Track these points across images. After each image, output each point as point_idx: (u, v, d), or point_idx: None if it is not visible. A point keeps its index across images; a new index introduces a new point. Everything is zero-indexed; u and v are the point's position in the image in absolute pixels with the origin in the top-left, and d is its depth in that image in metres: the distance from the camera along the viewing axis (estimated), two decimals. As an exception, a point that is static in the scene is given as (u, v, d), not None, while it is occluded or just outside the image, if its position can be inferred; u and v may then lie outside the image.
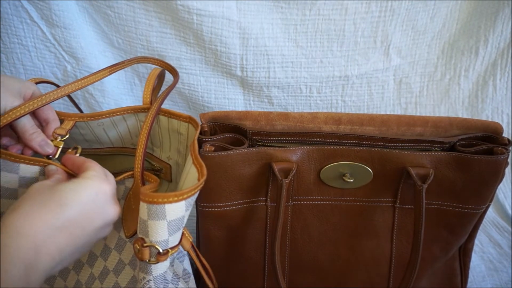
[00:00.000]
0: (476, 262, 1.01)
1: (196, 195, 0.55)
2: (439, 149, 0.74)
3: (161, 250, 0.55)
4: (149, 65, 1.08)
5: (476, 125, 0.76)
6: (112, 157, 0.82)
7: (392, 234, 0.79)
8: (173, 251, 0.56)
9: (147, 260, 0.55)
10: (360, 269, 0.82)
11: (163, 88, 0.77)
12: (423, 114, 1.10)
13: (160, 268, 0.57)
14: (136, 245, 0.55)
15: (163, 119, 0.72)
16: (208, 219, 0.76)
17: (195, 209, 0.82)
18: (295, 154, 0.73)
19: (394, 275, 0.82)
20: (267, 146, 0.73)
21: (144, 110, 0.72)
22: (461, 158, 0.72)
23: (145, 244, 0.54)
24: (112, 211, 0.56)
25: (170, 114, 0.72)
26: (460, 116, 1.16)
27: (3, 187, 0.63)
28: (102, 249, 0.68)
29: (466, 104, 1.17)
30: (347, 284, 0.83)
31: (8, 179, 0.62)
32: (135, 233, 0.61)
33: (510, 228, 1.14)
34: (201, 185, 0.55)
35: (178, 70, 1.06)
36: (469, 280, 0.88)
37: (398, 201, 0.77)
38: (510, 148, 0.74)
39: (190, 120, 0.70)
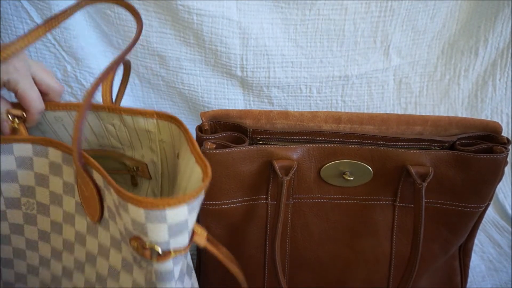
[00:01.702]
0: (476, 262, 1.01)
1: (200, 197, 0.52)
2: (438, 148, 0.75)
3: (160, 252, 0.53)
4: (149, 65, 1.08)
5: (475, 124, 0.77)
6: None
7: (392, 232, 0.80)
8: (178, 253, 0.53)
9: (150, 258, 0.53)
10: (360, 268, 0.82)
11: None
12: (423, 114, 1.11)
13: (163, 267, 0.55)
14: (135, 243, 0.52)
15: (127, 118, 0.68)
16: (208, 216, 0.77)
17: None
18: (295, 152, 0.73)
19: (394, 273, 0.82)
20: (267, 145, 0.73)
21: (104, 109, 0.68)
22: (460, 157, 0.73)
23: (146, 246, 0.52)
24: None
25: (133, 113, 0.67)
26: (460, 116, 1.16)
27: (36, 173, 0.64)
28: (75, 235, 0.66)
29: (466, 104, 1.17)
30: (347, 282, 0.83)
31: (40, 163, 0.63)
32: (101, 217, 0.60)
33: (510, 228, 1.14)
34: (205, 187, 0.52)
35: (178, 70, 1.08)
36: (469, 280, 0.88)
37: (398, 200, 0.77)
38: (510, 147, 0.74)
39: (157, 116, 0.66)
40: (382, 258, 0.82)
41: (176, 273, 0.56)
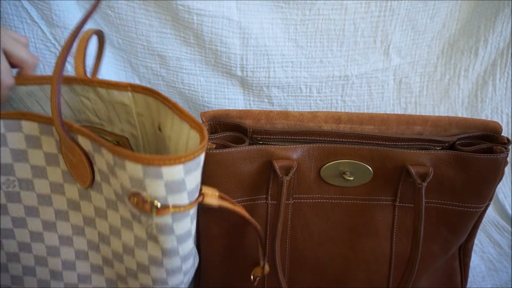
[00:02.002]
0: (476, 262, 1.01)
1: (197, 159, 0.52)
2: (438, 148, 0.75)
3: (159, 206, 0.53)
4: (149, 64, 1.08)
5: (475, 124, 0.78)
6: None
7: (392, 232, 0.80)
8: (177, 210, 0.54)
9: (150, 212, 0.54)
10: (360, 268, 0.82)
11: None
12: (424, 114, 1.11)
13: (162, 221, 0.56)
14: (135, 198, 0.53)
15: (102, 91, 0.65)
16: (208, 216, 0.77)
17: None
18: (295, 152, 0.74)
19: (394, 273, 0.82)
20: (267, 144, 0.74)
21: (76, 81, 0.64)
22: (460, 157, 0.73)
23: (146, 200, 0.53)
24: None
25: (108, 85, 0.63)
26: (460, 116, 1.16)
27: (12, 149, 0.62)
28: (67, 203, 0.66)
29: (466, 104, 1.18)
30: (347, 282, 0.84)
31: (15, 139, 0.62)
32: (92, 182, 0.61)
33: (510, 228, 1.14)
34: (203, 149, 0.52)
35: (178, 70, 1.08)
36: (469, 280, 0.88)
37: (398, 200, 0.78)
38: (510, 147, 0.75)
39: (131, 88, 0.62)
40: (382, 258, 0.82)
41: (176, 229, 0.56)
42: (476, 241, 0.85)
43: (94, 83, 0.63)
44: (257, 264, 0.79)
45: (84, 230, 0.67)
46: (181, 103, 1.16)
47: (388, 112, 1.05)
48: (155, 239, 0.57)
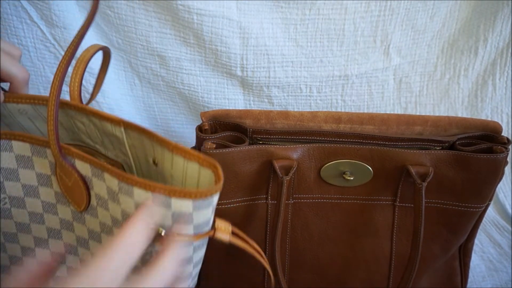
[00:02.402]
0: (476, 262, 1.02)
1: (210, 199, 0.51)
2: (438, 148, 0.75)
3: (163, 233, 0.53)
4: (149, 65, 1.08)
5: (475, 124, 0.78)
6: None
7: (392, 232, 0.81)
8: (181, 238, 0.53)
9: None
10: (360, 268, 0.83)
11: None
12: (423, 114, 1.11)
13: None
14: None
15: (95, 121, 0.63)
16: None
17: None
18: (295, 152, 0.74)
19: (394, 273, 0.83)
20: (267, 144, 0.74)
21: (70, 107, 0.62)
22: (460, 157, 0.73)
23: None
24: None
25: (100, 117, 0.61)
26: (460, 115, 1.17)
27: (2, 168, 0.62)
28: (60, 223, 0.66)
29: (466, 103, 1.18)
30: (347, 282, 0.84)
31: (6, 158, 0.61)
32: (87, 206, 0.60)
33: (510, 228, 1.14)
34: (218, 190, 0.51)
35: (178, 70, 1.08)
36: (469, 280, 0.89)
37: (398, 200, 0.78)
38: (510, 147, 0.75)
39: (124, 125, 0.60)
40: (382, 258, 0.82)
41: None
42: (476, 241, 0.85)
43: (87, 112, 0.61)
44: (257, 264, 0.80)
45: (77, 250, 0.67)
46: (180, 105, 1.16)
47: (388, 112, 1.05)
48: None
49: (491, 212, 1.20)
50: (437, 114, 1.17)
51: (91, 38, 1.06)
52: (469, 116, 1.14)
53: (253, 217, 0.79)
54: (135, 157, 0.66)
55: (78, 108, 0.61)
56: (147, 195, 0.49)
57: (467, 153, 0.73)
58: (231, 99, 1.14)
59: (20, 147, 0.61)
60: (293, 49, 1.08)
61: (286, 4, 1.03)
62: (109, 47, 1.05)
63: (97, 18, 1.04)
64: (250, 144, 0.75)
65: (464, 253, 0.86)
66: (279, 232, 0.72)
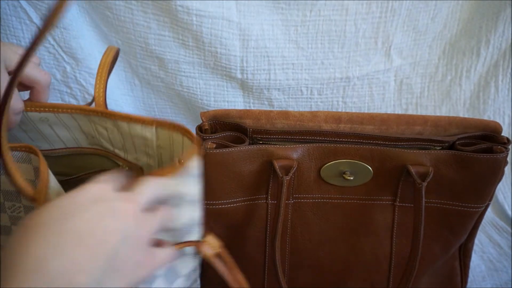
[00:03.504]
0: (476, 262, 1.03)
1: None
2: (438, 148, 0.76)
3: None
4: (148, 66, 1.10)
5: (475, 124, 0.79)
6: (85, 157, 0.77)
7: (392, 232, 0.81)
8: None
9: None
10: (359, 268, 0.84)
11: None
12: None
13: None
14: None
15: (122, 125, 0.65)
16: (208, 216, 0.77)
17: None
18: (295, 152, 0.75)
19: (394, 273, 0.83)
20: (267, 144, 0.75)
21: (97, 113, 0.65)
22: (460, 157, 0.74)
23: None
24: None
25: (130, 120, 0.64)
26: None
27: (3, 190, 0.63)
28: None
29: (468, 105, 1.18)
30: (346, 282, 0.85)
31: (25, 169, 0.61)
32: None
33: (510, 229, 1.15)
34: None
35: (177, 73, 1.09)
36: (469, 280, 0.90)
37: (398, 200, 0.79)
38: (510, 147, 0.76)
39: (157, 124, 0.63)
40: (382, 258, 0.83)
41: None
42: (476, 241, 0.86)
43: (116, 117, 0.64)
44: (257, 264, 0.81)
45: None
46: (180, 105, 1.17)
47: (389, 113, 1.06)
48: None
49: (490, 213, 1.21)
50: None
51: (91, 39, 1.08)
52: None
53: (253, 217, 0.80)
54: (160, 158, 0.68)
55: (105, 115, 0.64)
56: None
57: (467, 153, 0.74)
58: (230, 101, 1.15)
59: (36, 159, 0.60)
60: (294, 51, 1.09)
61: (287, 5, 1.04)
62: None
63: (97, 18, 1.05)
64: (250, 144, 0.76)
65: (464, 253, 0.87)
66: (279, 232, 0.72)
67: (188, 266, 0.64)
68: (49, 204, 0.46)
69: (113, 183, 0.51)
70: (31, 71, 0.63)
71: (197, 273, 0.69)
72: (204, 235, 0.62)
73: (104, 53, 0.71)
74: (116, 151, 0.73)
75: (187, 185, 0.57)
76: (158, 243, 0.54)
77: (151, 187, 0.53)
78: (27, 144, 0.60)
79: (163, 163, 0.70)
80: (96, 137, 0.70)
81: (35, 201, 0.53)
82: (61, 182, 0.59)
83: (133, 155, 0.73)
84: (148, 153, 0.70)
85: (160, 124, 0.63)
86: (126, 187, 0.52)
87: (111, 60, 0.71)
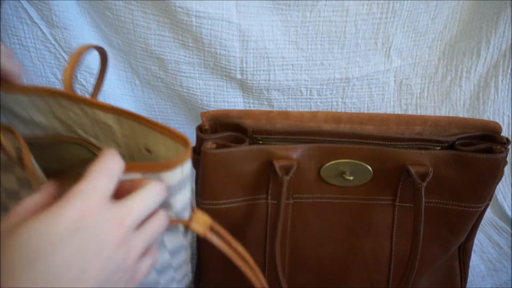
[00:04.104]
0: (476, 262, 1.03)
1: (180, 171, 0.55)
2: (438, 147, 0.77)
3: None
4: (148, 66, 1.11)
5: (475, 124, 0.79)
6: (65, 146, 0.74)
7: (391, 232, 0.82)
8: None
9: None
10: (359, 268, 0.84)
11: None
12: (423, 115, 1.12)
13: None
14: None
15: (87, 109, 0.64)
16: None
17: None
18: (295, 152, 0.75)
19: (394, 273, 0.84)
20: (267, 144, 0.75)
21: (63, 96, 0.63)
22: (460, 157, 0.75)
23: None
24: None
25: (92, 104, 0.62)
26: None
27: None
28: None
29: (467, 106, 1.19)
30: (346, 282, 0.85)
31: None
32: None
33: (509, 229, 1.15)
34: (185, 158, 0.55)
35: (177, 73, 1.10)
36: (468, 279, 0.90)
37: (398, 199, 0.79)
38: (509, 147, 0.76)
39: (114, 111, 0.61)
40: (382, 258, 0.83)
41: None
42: (476, 241, 0.86)
43: (79, 100, 0.63)
44: (258, 265, 0.81)
45: None
46: (180, 106, 1.18)
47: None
48: None
49: (489, 213, 1.22)
50: (438, 115, 1.19)
51: (92, 39, 1.08)
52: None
53: (253, 217, 0.80)
54: (128, 147, 0.67)
55: (69, 97, 0.63)
56: None
57: (466, 153, 0.75)
58: (230, 101, 1.16)
59: None
60: (294, 51, 1.10)
61: (287, 6, 1.04)
62: (110, 48, 1.08)
63: (98, 18, 1.06)
64: (250, 144, 0.76)
65: (464, 253, 0.87)
66: (279, 232, 0.72)
67: (175, 241, 0.63)
68: (18, 234, 0.39)
69: (100, 191, 0.45)
70: (7, 62, 0.62)
71: (184, 257, 0.69)
72: (192, 212, 0.62)
73: (80, 46, 0.68)
74: (91, 139, 0.71)
75: (182, 188, 0.57)
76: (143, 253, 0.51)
77: (144, 200, 0.48)
78: (5, 124, 0.62)
79: (134, 154, 0.67)
80: (70, 124, 0.69)
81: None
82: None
83: (106, 143, 0.70)
84: (116, 142, 0.68)
85: (116, 112, 0.61)
86: (115, 196, 0.47)
87: (82, 52, 0.67)
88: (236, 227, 0.80)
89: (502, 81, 1.16)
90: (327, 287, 0.86)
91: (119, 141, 0.67)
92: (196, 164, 0.79)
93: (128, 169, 0.52)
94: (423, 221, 0.73)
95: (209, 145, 0.73)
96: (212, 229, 0.63)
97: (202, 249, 0.84)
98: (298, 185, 0.79)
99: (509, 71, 1.14)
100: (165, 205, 0.55)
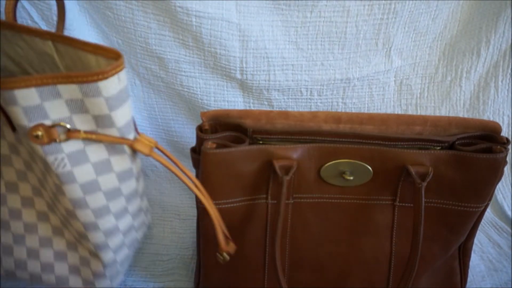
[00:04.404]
0: (476, 262, 1.03)
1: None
2: (438, 147, 0.77)
3: (68, 126, 0.57)
4: (148, 66, 1.11)
5: (475, 124, 0.79)
6: None
7: (391, 232, 0.82)
8: (94, 136, 0.58)
9: (57, 140, 0.57)
10: (359, 268, 0.84)
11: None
12: (423, 115, 1.12)
13: (73, 146, 0.59)
14: (37, 132, 0.56)
15: (27, 39, 0.64)
16: (208, 216, 0.76)
17: (195, 209, 0.85)
18: (295, 152, 0.76)
19: (394, 273, 0.84)
20: (267, 144, 0.76)
21: (5, 25, 0.64)
22: (460, 157, 0.75)
23: (48, 124, 0.56)
24: None
25: (29, 32, 0.63)
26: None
27: None
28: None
29: (468, 106, 1.19)
30: (346, 282, 0.85)
31: None
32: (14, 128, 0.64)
33: (509, 229, 1.16)
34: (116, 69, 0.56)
35: (177, 72, 1.10)
36: (468, 279, 0.90)
37: (398, 199, 0.80)
38: (509, 147, 0.76)
39: (51, 36, 0.62)
40: (382, 258, 0.84)
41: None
42: (476, 241, 0.86)
43: (19, 29, 0.63)
44: (257, 264, 0.82)
45: (18, 186, 0.74)
46: (180, 105, 1.18)
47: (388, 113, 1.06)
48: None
49: (489, 213, 1.22)
50: (438, 115, 1.19)
51: (92, 38, 1.09)
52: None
53: (253, 217, 0.80)
54: None
55: (10, 26, 0.64)
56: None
57: (466, 153, 0.75)
58: (230, 101, 1.16)
59: None
60: (294, 52, 1.10)
61: (287, 6, 1.05)
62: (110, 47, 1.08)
63: (98, 18, 1.06)
64: (250, 144, 0.76)
65: (464, 252, 0.87)
66: (279, 232, 0.72)
67: (123, 164, 0.65)
68: None
69: None
70: None
71: (139, 204, 0.73)
72: (138, 135, 0.63)
73: None
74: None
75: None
76: None
77: None
78: None
79: None
80: (19, 61, 0.69)
81: None
82: None
83: None
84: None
85: (55, 37, 0.61)
86: None
87: None
88: (236, 227, 0.80)
89: (502, 81, 1.16)
90: (327, 287, 0.86)
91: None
92: (196, 164, 0.80)
93: (64, 79, 0.54)
94: (423, 221, 0.73)
95: (209, 145, 0.73)
96: (157, 148, 0.65)
97: (202, 249, 0.84)
98: (298, 185, 0.79)
99: (509, 71, 1.15)
100: (106, 121, 0.58)
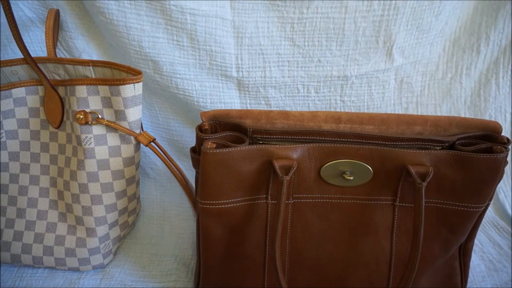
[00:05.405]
0: (476, 262, 1.05)
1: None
2: (438, 147, 0.79)
3: (99, 115, 0.91)
4: (143, 69, 1.12)
5: (475, 124, 0.82)
6: None
7: (392, 232, 0.84)
8: (112, 124, 0.92)
9: (89, 123, 0.91)
10: (359, 268, 0.86)
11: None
12: (425, 114, 1.12)
13: (99, 130, 0.93)
14: (79, 115, 0.90)
15: (69, 67, 0.92)
16: (208, 216, 0.80)
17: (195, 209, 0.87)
18: (295, 152, 0.78)
19: (394, 273, 0.86)
20: (267, 144, 0.77)
21: (50, 60, 0.92)
22: (460, 157, 0.77)
23: (88, 111, 0.90)
24: None
25: (74, 62, 0.91)
26: (463, 115, 1.20)
27: (2, 111, 0.94)
28: (40, 147, 0.99)
29: (469, 103, 1.21)
30: (346, 282, 0.87)
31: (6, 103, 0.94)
32: (61, 122, 0.96)
33: (510, 229, 1.17)
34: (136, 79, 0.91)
35: (172, 75, 1.13)
36: (469, 280, 0.92)
37: (398, 199, 0.82)
38: (510, 147, 0.79)
39: (92, 63, 0.90)
40: (382, 258, 0.85)
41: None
42: (476, 241, 0.87)
43: (64, 61, 0.91)
44: (257, 264, 0.84)
45: (49, 168, 0.99)
46: (177, 107, 1.20)
47: (389, 112, 1.07)
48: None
49: (490, 212, 1.24)
50: (439, 114, 1.20)
51: (90, 39, 1.12)
52: (472, 116, 1.17)
53: (253, 217, 0.82)
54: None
55: (55, 60, 0.91)
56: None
57: (467, 153, 0.77)
58: (227, 102, 1.18)
59: (16, 92, 0.94)
60: (289, 48, 1.11)
61: (283, 2, 1.06)
62: (109, 48, 1.16)
63: (91, 23, 1.10)
64: (250, 144, 0.79)
65: (464, 253, 0.89)
66: (279, 232, 0.74)
67: (128, 151, 0.96)
68: None
69: None
70: None
71: (135, 190, 1.05)
72: (141, 130, 0.97)
73: (47, 18, 0.97)
74: None
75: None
76: None
77: None
78: (5, 84, 0.93)
79: None
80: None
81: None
82: None
83: None
84: None
85: (94, 63, 0.90)
86: None
87: (54, 21, 1.00)
88: (236, 227, 0.82)
89: (503, 78, 1.18)
90: (327, 287, 0.87)
91: None
92: (196, 164, 0.82)
93: (102, 81, 0.89)
94: (424, 221, 0.75)
95: (209, 145, 0.75)
96: (155, 143, 0.99)
97: (202, 249, 0.86)
98: (298, 185, 0.81)
99: (510, 67, 1.16)
100: (121, 115, 0.91)
